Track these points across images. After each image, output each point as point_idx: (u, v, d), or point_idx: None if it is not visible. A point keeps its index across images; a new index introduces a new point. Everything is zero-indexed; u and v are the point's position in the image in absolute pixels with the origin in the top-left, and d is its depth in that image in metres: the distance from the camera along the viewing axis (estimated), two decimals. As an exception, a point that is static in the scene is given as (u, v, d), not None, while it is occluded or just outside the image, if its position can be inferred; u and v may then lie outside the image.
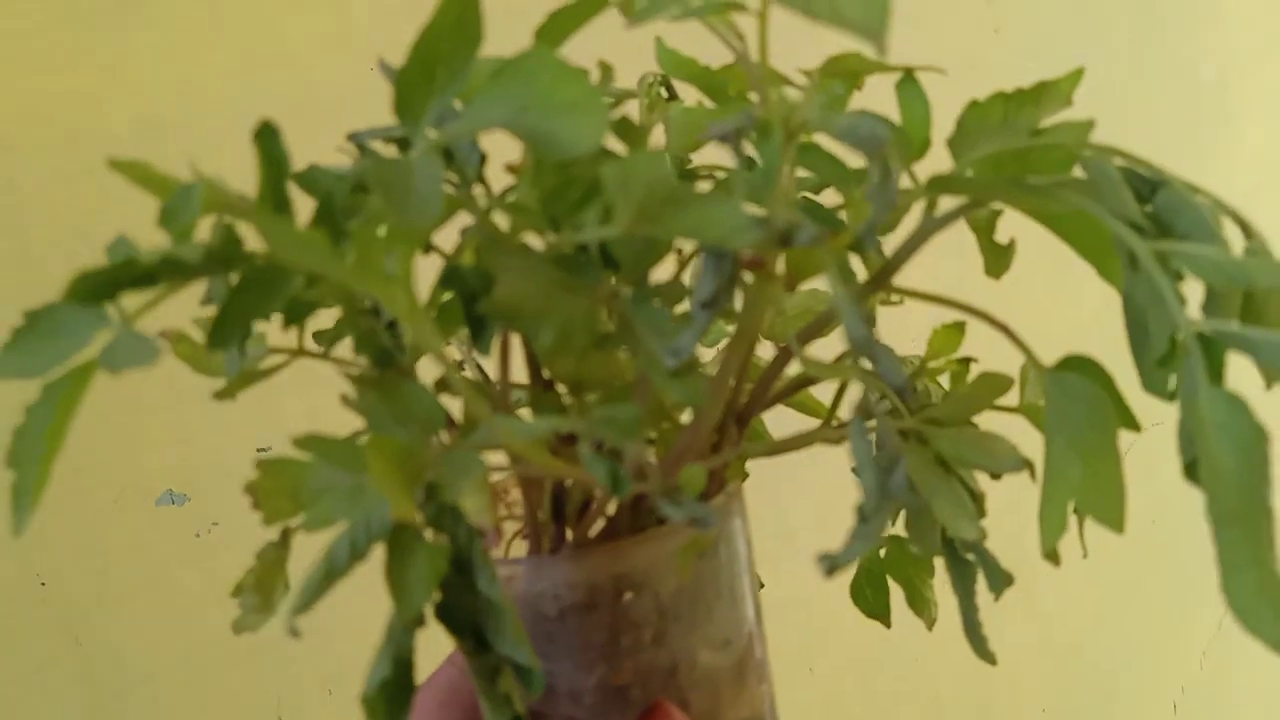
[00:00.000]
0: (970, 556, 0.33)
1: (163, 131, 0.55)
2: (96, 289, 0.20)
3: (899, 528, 0.38)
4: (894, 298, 0.35)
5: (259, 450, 0.52)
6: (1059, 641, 0.93)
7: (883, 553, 0.39)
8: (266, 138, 0.23)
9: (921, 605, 0.38)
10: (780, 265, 0.24)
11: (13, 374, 0.23)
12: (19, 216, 0.50)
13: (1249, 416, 0.22)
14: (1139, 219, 0.24)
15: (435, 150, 0.23)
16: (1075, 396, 0.26)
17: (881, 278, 0.27)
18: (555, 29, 0.27)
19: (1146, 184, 0.25)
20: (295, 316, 0.24)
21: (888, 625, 0.40)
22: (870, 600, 0.40)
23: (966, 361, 0.35)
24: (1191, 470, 0.24)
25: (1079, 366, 0.27)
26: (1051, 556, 0.30)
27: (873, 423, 0.28)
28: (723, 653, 0.31)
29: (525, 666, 0.26)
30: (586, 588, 0.29)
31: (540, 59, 0.22)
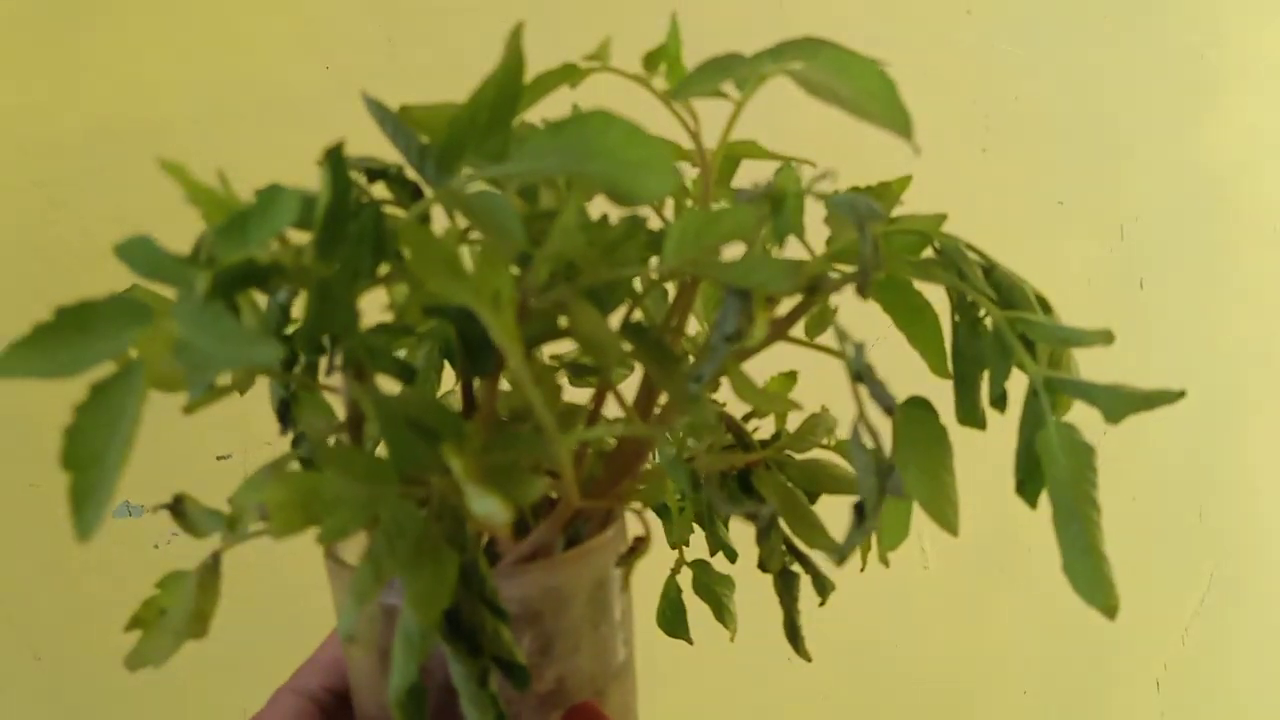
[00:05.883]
0: (795, 568, 0.39)
1: (119, 139, 0.50)
2: (232, 282, 0.21)
3: (702, 551, 0.43)
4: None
5: (218, 458, 0.46)
6: (1040, 622, 0.90)
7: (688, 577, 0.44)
8: (334, 162, 0.24)
9: (727, 618, 0.43)
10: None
11: (42, 372, 0.22)
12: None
13: (1080, 438, 0.30)
14: (987, 290, 0.32)
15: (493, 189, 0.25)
16: (919, 425, 0.33)
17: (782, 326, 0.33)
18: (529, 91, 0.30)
19: (982, 267, 0.33)
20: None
21: (689, 642, 0.45)
22: (671, 621, 0.45)
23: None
24: (1022, 488, 0.32)
25: (919, 404, 0.34)
26: (884, 560, 0.37)
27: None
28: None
29: (518, 665, 0.28)
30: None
31: (605, 119, 0.25)
